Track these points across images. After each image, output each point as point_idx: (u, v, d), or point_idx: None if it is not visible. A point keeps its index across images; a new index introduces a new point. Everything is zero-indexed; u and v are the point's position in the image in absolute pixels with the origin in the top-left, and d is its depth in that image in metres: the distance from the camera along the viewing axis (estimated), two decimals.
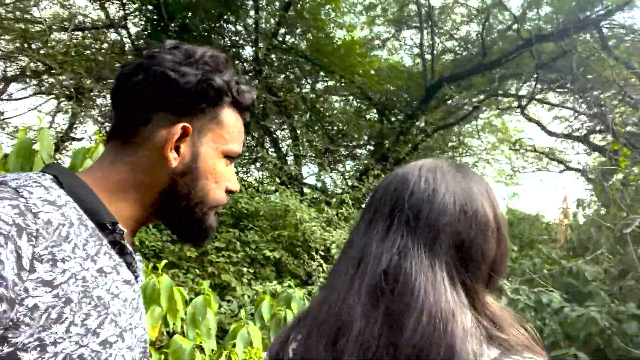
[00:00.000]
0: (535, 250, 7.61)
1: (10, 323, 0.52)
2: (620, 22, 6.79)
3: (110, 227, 0.67)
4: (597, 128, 9.08)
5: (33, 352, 0.53)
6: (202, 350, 1.97)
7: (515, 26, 7.50)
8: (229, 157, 0.80)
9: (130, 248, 0.71)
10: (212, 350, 2.07)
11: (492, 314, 0.72)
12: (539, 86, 8.72)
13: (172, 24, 6.34)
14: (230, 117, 0.79)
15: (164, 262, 2.17)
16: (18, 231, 0.54)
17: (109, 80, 5.14)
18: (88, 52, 6.11)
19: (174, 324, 2.10)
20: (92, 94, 4.81)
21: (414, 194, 0.75)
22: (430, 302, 0.66)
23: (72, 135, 7.22)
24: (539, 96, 9.41)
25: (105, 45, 6.98)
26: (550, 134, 10.03)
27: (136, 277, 0.72)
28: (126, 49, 6.86)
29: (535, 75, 7.94)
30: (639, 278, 4.94)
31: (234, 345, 2.30)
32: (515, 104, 9.84)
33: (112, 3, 6.87)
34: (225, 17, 7.59)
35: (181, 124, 0.72)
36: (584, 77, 7.32)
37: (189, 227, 0.78)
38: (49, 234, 0.57)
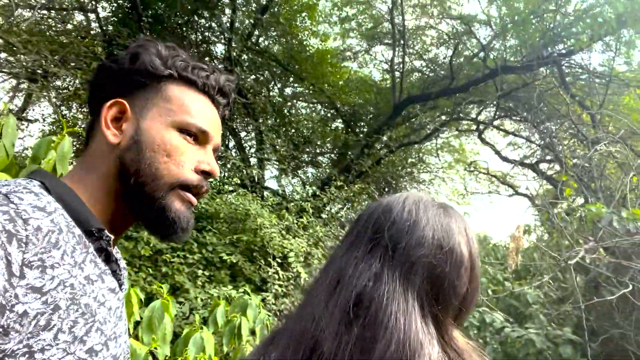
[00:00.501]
0: (482, 270, 7.93)
1: (0, 330, 0.52)
2: (579, 62, 7.22)
3: (96, 234, 0.67)
4: (547, 158, 9.57)
5: (21, 358, 0.53)
6: (153, 355, 1.94)
7: (481, 54, 7.82)
8: (185, 131, 0.75)
9: (115, 255, 0.71)
10: (166, 357, 2.04)
11: (458, 348, 0.76)
12: (498, 113, 9.11)
13: (145, 14, 6.18)
14: (179, 92, 0.77)
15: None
16: (8, 237, 0.54)
17: (73, 64, 4.95)
18: (52, 32, 5.86)
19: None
20: (55, 77, 4.61)
21: (395, 224, 0.79)
22: (400, 331, 0.68)
23: (25, 116, 6.89)
24: (496, 122, 9.82)
25: (71, 27, 6.71)
26: (504, 159, 10.50)
27: (120, 285, 0.72)
28: (93, 32, 6.63)
29: (495, 103, 8.29)
30: (576, 305, 5.23)
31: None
32: (474, 127, 10.22)
33: None
34: (199, 12, 7.49)
35: (111, 100, 0.74)
36: (540, 109, 7.72)
37: (152, 214, 0.73)
38: (38, 241, 0.57)
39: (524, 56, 6.92)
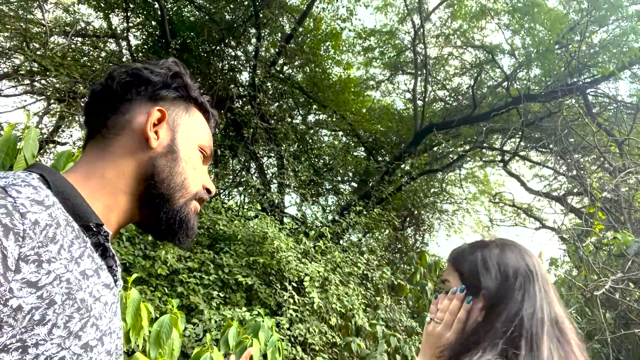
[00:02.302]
0: None
1: None
2: (605, 92, 7.10)
3: (95, 229, 0.67)
4: (575, 190, 9.33)
5: (14, 353, 0.52)
6: None
7: (505, 84, 7.78)
8: (202, 151, 0.85)
9: (112, 251, 0.71)
10: None
11: None
12: (522, 143, 8.97)
13: (174, 42, 6.41)
14: (199, 116, 0.87)
15: (135, 275, 2.12)
16: (5, 231, 0.54)
17: None
18: (85, 58, 6.12)
19: (136, 341, 2.03)
20: (83, 99, 4.81)
21: None
22: None
23: (56, 139, 7.13)
24: (522, 153, 9.67)
25: (103, 54, 7.01)
26: (530, 191, 10.27)
27: (116, 281, 0.72)
28: (124, 60, 6.90)
29: (520, 133, 8.19)
30: (604, 341, 4.98)
31: None
32: (499, 158, 10.08)
33: (117, 14, 6.94)
34: (226, 41, 7.73)
35: (157, 107, 0.78)
36: (566, 139, 7.57)
37: (169, 218, 0.78)
38: (35, 235, 0.56)
39: (548, 85, 6.85)
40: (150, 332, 2.02)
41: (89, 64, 5.68)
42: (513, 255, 1.05)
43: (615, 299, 3.67)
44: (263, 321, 2.99)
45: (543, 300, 0.98)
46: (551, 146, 8.43)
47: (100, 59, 6.29)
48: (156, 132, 0.78)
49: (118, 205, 0.74)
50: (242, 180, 7.03)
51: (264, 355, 3.07)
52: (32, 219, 0.57)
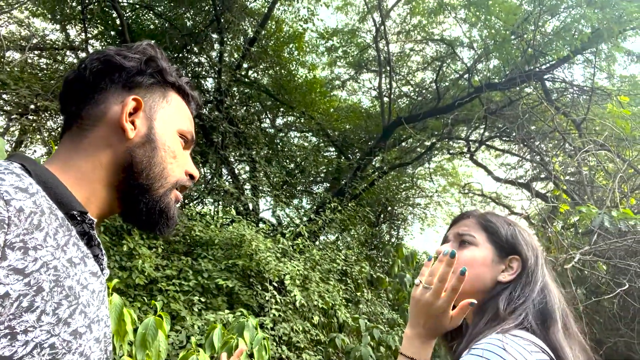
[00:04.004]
0: None
1: None
2: (562, 77, 7.40)
3: (79, 217, 0.67)
4: (542, 176, 9.66)
5: (3, 340, 0.52)
6: None
7: (466, 75, 8.00)
8: (182, 136, 0.83)
9: (98, 239, 0.71)
10: None
11: None
12: (487, 133, 9.24)
13: None
14: (178, 101, 0.85)
15: (115, 281, 2.09)
16: None
17: None
18: (43, 72, 5.95)
19: (120, 347, 2.01)
20: (46, 113, 4.67)
21: None
22: None
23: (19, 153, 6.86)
24: (487, 142, 9.95)
25: (62, 67, 6.83)
26: (497, 179, 10.58)
27: (102, 270, 0.71)
28: None
29: (483, 123, 8.43)
30: (577, 316, 5.16)
31: None
32: (465, 149, 10.35)
33: (74, 25, 6.78)
34: (188, 47, 7.66)
35: (133, 96, 0.77)
36: (528, 125, 7.84)
37: (150, 207, 0.77)
38: (20, 222, 0.56)
39: (507, 74, 7.09)
40: (134, 337, 1.99)
41: (49, 75, 5.52)
42: (534, 237, 1.14)
43: (585, 275, 3.84)
44: (248, 320, 2.98)
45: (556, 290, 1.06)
46: (514, 134, 8.72)
47: (60, 72, 6.13)
48: (132, 122, 0.76)
49: (96, 196, 0.74)
50: (215, 186, 6.97)
51: (250, 355, 3.06)
52: (17, 206, 0.56)
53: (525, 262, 1.06)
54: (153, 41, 0.85)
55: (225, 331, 2.99)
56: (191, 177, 0.84)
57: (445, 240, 1.18)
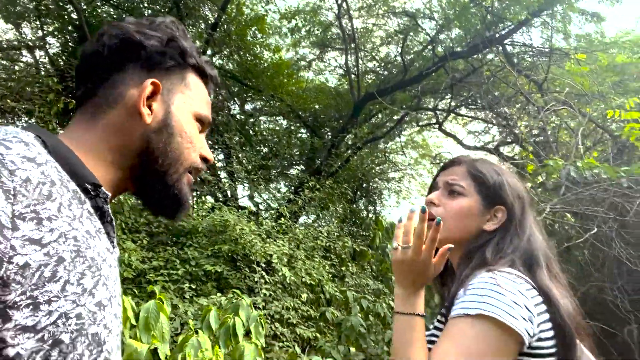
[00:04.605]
0: None
1: (0, 281, 0.50)
2: (521, 41, 7.62)
3: (93, 191, 0.65)
4: (507, 140, 9.96)
5: (25, 310, 0.51)
6: (155, 354, 1.94)
7: (430, 46, 8.13)
8: (200, 121, 0.81)
9: (111, 216, 0.69)
10: (167, 356, 2.04)
11: None
12: (454, 102, 9.45)
13: None
14: (197, 83, 0.82)
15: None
16: None
17: (31, 101, 4.87)
18: (2, 74, 5.76)
19: (122, 332, 2.05)
20: (10, 115, 4.54)
21: None
22: None
23: None
24: (455, 111, 10.17)
25: (17, 67, 6.60)
26: (466, 147, 10.86)
27: (114, 247, 0.70)
28: (44, 69, 6.54)
29: (449, 92, 8.62)
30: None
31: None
32: (434, 120, 10.56)
33: (29, 22, 6.54)
34: None
35: (151, 80, 0.74)
36: (492, 91, 8.06)
37: (163, 193, 0.76)
38: (29, 192, 0.54)
39: (469, 42, 7.25)
40: (137, 322, 2.04)
41: (8, 78, 5.35)
42: (522, 185, 1.19)
43: (555, 229, 4.05)
44: (242, 300, 3.05)
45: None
46: (480, 100, 8.95)
47: (19, 71, 5.93)
48: (149, 106, 0.74)
49: (109, 176, 0.72)
50: None
51: (247, 333, 3.14)
52: (23, 176, 0.54)
53: (510, 212, 1.11)
54: (173, 18, 0.82)
55: (220, 312, 3.06)
56: (205, 160, 0.82)
57: (434, 187, 1.22)
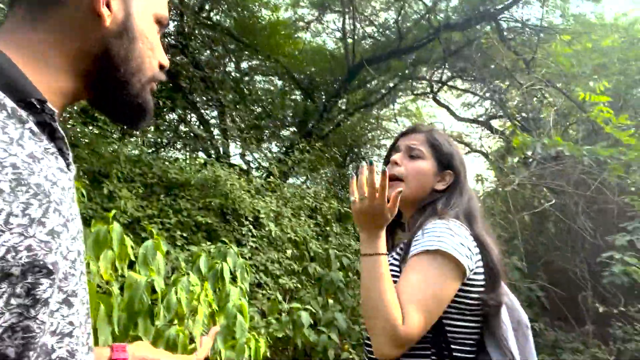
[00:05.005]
0: None
1: None
2: (516, 17, 7.71)
3: (38, 106, 0.57)
4: (498, 114, 10.16)
5: None
6: (152, 289, 2.21)
7: (427, 16, 8.18)
8: (159, 22, 0.74)
9: (62, 132, 0.61)
10: (161, 289, 2.31)
11: None
12: (448, 74, 9.57)
13: None
14: None
15: (113, 212, 2.36)
16: None
17: None
18: None
19: (122, 267, 2.31)
20: None
21: None
22: None
23: None
24: (449, 83, 10.30)
25: None
26: (458, 118, 11.05)
27: (68, 166, 0.63)
28: None
29: (444, 63, 8.73)
30: (523, 239, 5.81)
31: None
32: (428, 89, 10.68)
33: None
34: None
35: None
36: (485, 66, 8.20)
37: (126, 103, 0.71)
38: None
39: (466, 14, 7.32)
40: (136, 257, 2.29)
41: None
42: (464, 158, 1.47)
43: (527, 199, 4.36)
44: (230, 248, 3.32)
45: None
46: (474, 74, 9.08)
47: None
48: (108, 5, 0.65)
49: (59, 85, 0.64)
50: (185, 131, 7.10)
51: (233, 278, 3.43)
52: None
53: (457, 176, 1.39)
54: None
55: (209, 258, 3.33)
56: (161, 67, 0.75)
57: (396, 149, 1.44)
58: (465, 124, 11.52)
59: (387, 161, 1.47)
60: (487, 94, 9.68)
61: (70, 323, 0.57)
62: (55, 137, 0.60)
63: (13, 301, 0.49)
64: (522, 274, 4.90)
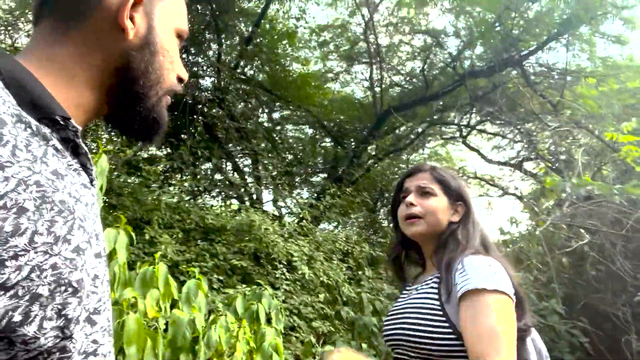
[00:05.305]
0: None
1: None
2: (541, 61, 7.87)
3: (62, 122, 0.58)
4: (530, 156, 10.11)
5: None
6: (194, 324, 2.34)
7: (453, 64, 8.44)
8: (179, 37, 0.75)
9: (85, 148, 0.62)
10: (202, 327, 2.43)
11: None
12: (477, 118, 9.69)
13: None
14: None
15: (159, 253, 2.54)
16: None
17: None
18: None
19: (165, 306, 2.45)
20: None
21: None
22: None
23: None
24: (478, 127, 10.40)
25: None
26: (489, 162, 11.02)
27: (92, 181, 0.63)
28: None
29: (472, 108, 8.89)
30: (561, 282, 5.66)
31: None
32: (458, 134, 10.80)
33: None
34: (188, 48, 8.05)
35: None
36: (513, 109, 8.29)
37: (143, 118, 0.71)
38: None
39: (490, 61, 7.53)
40: (179, 297, 2.44)
41: None
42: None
43: (559, 238, 4.31)
44: (265, 289, 3.43)
45: None
46: (503, 117, 9.17)
47: None
48: (131, 19, 0.65)
49: (83, 101, 0.65)
50: (220, 179, 7.41)
51: (268, 320, 3.52)
52: None
53: (467, 207, 1.48)
54: None
55: (245, 300, 3.44)
56: (180, 80, 0.76)
57: (406, 191, 1.50)
58: (498, 167, 11.47)
59: (395, 202, 1.55)
60: (518, 137, 9.70)
61: (94, 342, 0.56)
62: (78, 152, 0.61)
63: (46, 325, 0.49)
64: (561, 317, 4.76)
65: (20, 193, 0.48)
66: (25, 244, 0.47)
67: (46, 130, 0.55)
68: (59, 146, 0.56)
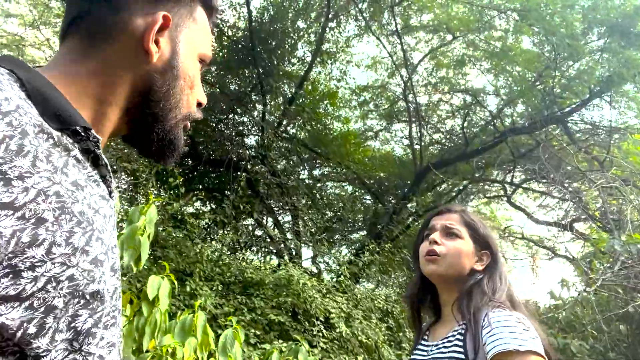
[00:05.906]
0: None
1: None
2: (585, 118, 7.75)
3: (83, 134, 0.58)
4: (582, 216, 9.67)
5: (4, 279, 0.46)
6: None
7: (493, 121, 8.45)
8: (202, 62, 0.76)
9: (105, 159, 0.62)
10: None
11: None
12: (522, 176, 9.50)
13: None
14: (203, 17, 0.76)
15: (199, 302, 2.59)
16: None
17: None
18: None
19: (202, 355, 2.47)
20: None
21: None
22: None
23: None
24: (524, 185, 10.15)
25: None
26: (537, 222, 10.60)
27: (110, 193, 0.63)
28: None
29: (514, 165, 8.76)
30: (621, 353, 5.23)
31: None
32: (502, 192, 10.56)
33: None
34: (234, 109, 8.52)
35: (162, 13, 0.67)
36: (558, 167, 8.10)
37: (160, 139, 0.71)
38: None
39: (531, 118, 7.49)
40: (217, 346, 2.46)
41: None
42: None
43: (629, 312, 4.03)
44: (302, 346, 3.38)
45: None
46: (552, 175, 8.95)
47: None
48: (156, 42, 0.66)
49: (104, 117, 0.65)
50: (260, 234, 7.52)
51: None
52: None
53: (494, 257, 1.41)
54: None
55: (281, 356, 3.39)
56: (199, 105, 0.77)
57: (431, 228, 1.44)
58: (546, 227, 11.01)
59: (419, 238, 1.50)
60: (566, 196, 9.37)
61: (100, 357, 0.55)
62: (98, 164, 0.61)
63: (57, 337, 0.49)
64: None
65: (40, 203, 0.48)
66: (42, 255, 0.48)
67: (68, 141, 0.55)
68: (80, 157, 0.57)
